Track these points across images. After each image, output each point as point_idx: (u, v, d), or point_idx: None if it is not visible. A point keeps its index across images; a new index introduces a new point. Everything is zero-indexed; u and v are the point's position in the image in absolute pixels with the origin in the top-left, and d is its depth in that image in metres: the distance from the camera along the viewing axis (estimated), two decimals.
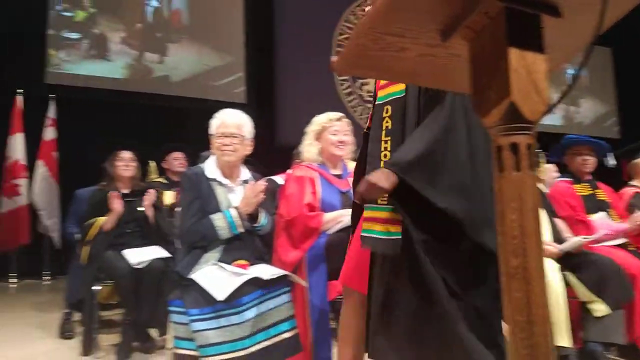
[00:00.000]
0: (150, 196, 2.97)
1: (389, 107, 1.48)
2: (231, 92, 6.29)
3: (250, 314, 1.86)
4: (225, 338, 1.81)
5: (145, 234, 2.97)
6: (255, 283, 1.90)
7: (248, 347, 1.83)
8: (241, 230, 2.09)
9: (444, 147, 1.32)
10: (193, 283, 1.92)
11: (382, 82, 1.55)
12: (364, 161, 1.55)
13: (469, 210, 1.28)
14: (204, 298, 1.85)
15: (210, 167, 2.19)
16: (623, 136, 8.46)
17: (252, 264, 2.09)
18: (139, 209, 2.95)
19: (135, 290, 2.64)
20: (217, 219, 2.06)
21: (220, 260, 2.05)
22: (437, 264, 1.30)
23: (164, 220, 3.02)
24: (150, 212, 2.96)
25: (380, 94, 1.53)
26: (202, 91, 6.13)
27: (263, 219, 2.20)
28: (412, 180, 1.29)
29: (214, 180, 2.16)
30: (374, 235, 1.42)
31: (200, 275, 1.95)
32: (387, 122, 1.47)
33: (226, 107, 2.30)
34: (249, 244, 2.15)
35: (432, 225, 1.31)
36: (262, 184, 2.18)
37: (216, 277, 1.94)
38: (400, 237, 1.36)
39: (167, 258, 2.75)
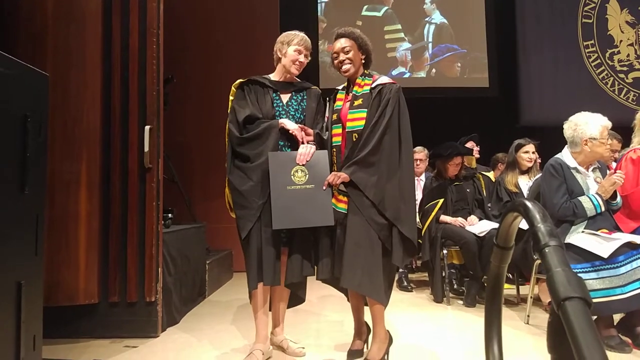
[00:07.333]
0: None
1: None
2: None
3: (624, 269, 2.38)
4: (605, 285, 2.37)
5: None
6: (627, 245, 2.42)
7: (622, 294, 2.35)
8: (603, 209, 2.64)
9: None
10: (570, 246, 2.54)
11: None
12: None
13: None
14: (582, 256, 2.45)
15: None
16: None
17: (612, 232, 2.63)
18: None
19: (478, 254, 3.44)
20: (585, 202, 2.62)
21: (586, 228, 2.63)
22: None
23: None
24: None
25: None
26: None
27: (618, 198, 2.72)
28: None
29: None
30: None
31: (577, 239, 2.56)
32: None
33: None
34: (607, 216, 2.70)
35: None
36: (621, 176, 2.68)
37: (592, 241, 2.51)
38: None
39: None
